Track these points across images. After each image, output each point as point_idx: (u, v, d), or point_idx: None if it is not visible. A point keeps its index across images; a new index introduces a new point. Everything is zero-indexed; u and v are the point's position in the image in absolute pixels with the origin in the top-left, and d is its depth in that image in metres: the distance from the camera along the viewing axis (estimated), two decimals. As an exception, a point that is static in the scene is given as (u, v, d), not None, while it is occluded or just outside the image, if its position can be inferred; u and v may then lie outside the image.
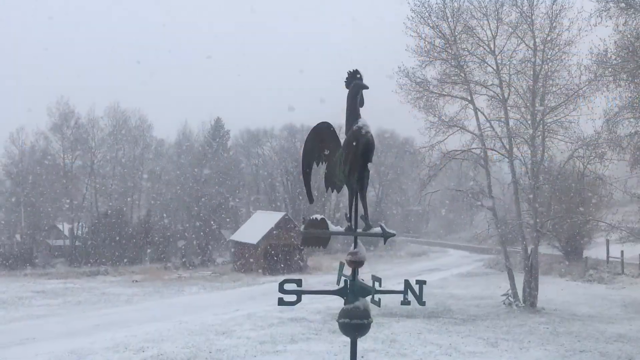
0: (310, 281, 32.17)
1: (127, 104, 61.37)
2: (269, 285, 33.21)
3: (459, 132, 23.83)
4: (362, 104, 4.44)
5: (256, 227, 43.47)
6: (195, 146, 62.29)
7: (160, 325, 18.87)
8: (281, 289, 4.26)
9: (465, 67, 23.51)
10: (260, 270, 40.56)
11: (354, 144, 4.26)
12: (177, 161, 60.29)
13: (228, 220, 57.12)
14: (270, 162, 66.33)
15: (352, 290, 4.37)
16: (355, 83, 4.40)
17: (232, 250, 47.11)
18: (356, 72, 4.41)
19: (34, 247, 48.76)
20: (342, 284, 4.50)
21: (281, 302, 4.30)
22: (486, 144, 23.43)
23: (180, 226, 56.17)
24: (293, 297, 4.30)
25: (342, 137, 4.57)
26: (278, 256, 41.17)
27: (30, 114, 68.44)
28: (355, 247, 4.40)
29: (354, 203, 4.44)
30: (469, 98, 23.46)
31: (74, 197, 52.77)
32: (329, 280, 27.43)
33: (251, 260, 41.90)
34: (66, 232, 52.85)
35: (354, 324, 4.28)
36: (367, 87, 4.39)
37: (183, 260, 48.77)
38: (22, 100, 75.99)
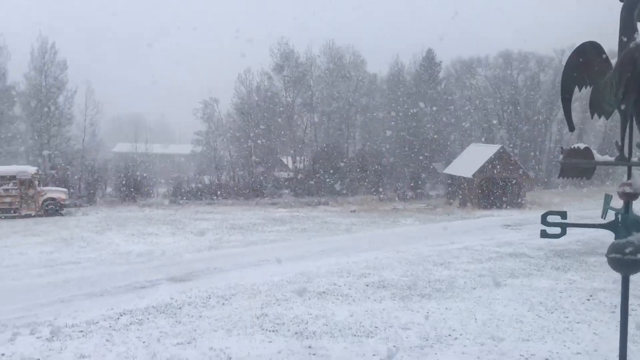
0: (530, 217, 30.76)
1: (342, 41, 63.16)
2: (484, 219, 32.49)
3: None
4: None
5: (470, 160, 42.44)
6: (407, 79, 62.06)
7: (379, 253, 19.49)
8: (544, 221, 4.00)
9: None
10: (474, 204, 39.82)
11: (632, 62, 3.69)
12: (389, 95, 60.76)
13: (441, 153, 56.60)
14: (485, 93, 63.68)
15: (625, 224, 3.92)
16: None
17: (446, 183, 46.78)
18: None
19: (262, 179, 53.42)
20: (610, 218, 4.06)
21: (544, 234, 4.04)
22: None
23: (394, 159, 57.03)
24: (557, 230, 3.98)
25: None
26: (493, 190, 39.93)
27: (256, 55, 73.99)
28: (629, 178, 3.92)
29: (627, 130, 3.91)
30: None
31: (295, 132, 56.48)
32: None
33: (465, 194, 41.25)
34: (290, 166, 56.99)
35: (627, 260, 3.85)
36: None
37: (397, 192, 49.80)
38: (247, 43, 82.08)
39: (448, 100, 61.27)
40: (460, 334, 10.02)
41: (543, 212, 4.06)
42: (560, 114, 61.29)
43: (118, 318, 11.33)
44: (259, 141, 54.95)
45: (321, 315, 11.28)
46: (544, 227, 4.11)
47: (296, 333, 10.13)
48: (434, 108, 57.73)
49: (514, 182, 40.37)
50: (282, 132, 56.53)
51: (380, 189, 51.72)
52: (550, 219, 3.96)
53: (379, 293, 13.26)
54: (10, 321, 11.36)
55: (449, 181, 45.39)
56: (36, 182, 36.05)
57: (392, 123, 58.36)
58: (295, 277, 15.28)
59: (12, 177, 35.40)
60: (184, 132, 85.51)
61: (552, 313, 11.42)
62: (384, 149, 57.59)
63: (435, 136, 56.35)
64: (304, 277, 15.25)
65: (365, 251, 20.34)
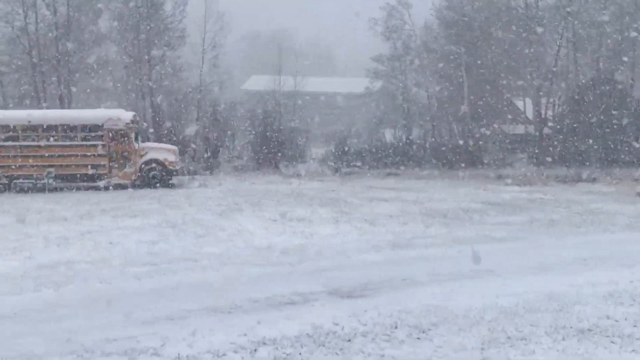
0: None
1: None
2: None
3: None
4: None
5: None
6: None
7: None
8: None
9: None
10: None
11: None
12: None
13: None
14: None
15: None
16: None
17: None
18: None
19: (482, 136, 52.87)
20: None
21: None
22: None
23: None
24: None
25: None
26: None
27: None
28: None
29: None
30: None
31: (541, 58, 54.93)
32: None
33: None
34: (529, 114, 55.74)
35: None
36: None
37: None
38: None
39: None
40: None
41: None
42: None
43: (255, 350, 11.85)
44: (477, 73, 54.33)
45: (585, 368, 11.00)
46: None
47: (542, 396, 9.98)
48: None
49: None
50: (519, 57, 55.36)
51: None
52: None
53: (688, 337, 12.64)
54: (98, 345, 12.31)
55: None
56: (133, 135, 38.16)
57: None
58: (539, 301, 15.01)
59: (98, 128, 37.65)
60: (353, 60, 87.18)
61: None
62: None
63: None
64: (553, 302, 14.93)
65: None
